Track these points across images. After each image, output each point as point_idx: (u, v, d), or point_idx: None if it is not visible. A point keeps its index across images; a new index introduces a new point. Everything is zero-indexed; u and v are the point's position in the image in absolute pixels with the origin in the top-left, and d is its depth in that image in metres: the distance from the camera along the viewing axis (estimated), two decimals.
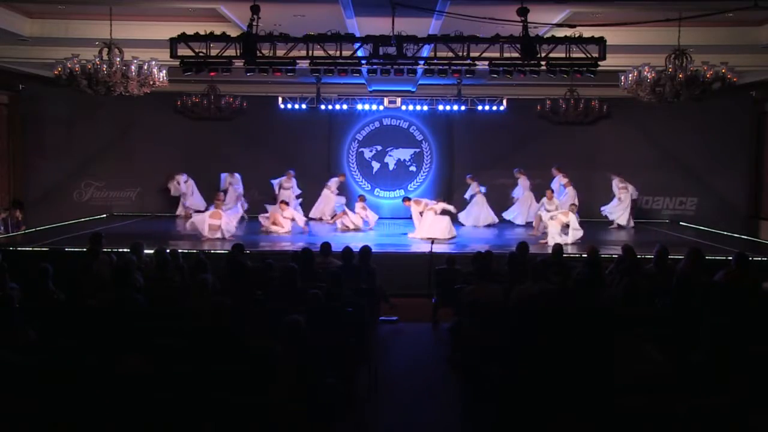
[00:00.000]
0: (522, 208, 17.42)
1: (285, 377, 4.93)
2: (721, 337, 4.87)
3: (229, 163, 18.05)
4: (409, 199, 15.71)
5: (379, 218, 17.20)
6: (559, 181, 17.20)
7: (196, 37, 10.25)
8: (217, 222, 13.81)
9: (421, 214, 14.91)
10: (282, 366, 5.00)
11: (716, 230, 16.30)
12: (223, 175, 18.02)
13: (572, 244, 13.41)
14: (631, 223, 16.76)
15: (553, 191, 16.00)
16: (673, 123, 17.53)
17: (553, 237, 13.54)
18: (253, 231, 15.47)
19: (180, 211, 18.01)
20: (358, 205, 16.49)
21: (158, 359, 5.09)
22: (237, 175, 17.99)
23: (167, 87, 12.26)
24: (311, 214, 17.49)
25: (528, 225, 16.94)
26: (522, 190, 17.59)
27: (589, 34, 10.34)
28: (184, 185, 18.02)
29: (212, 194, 16.59)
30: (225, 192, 17.56)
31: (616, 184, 16.83)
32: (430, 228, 14.44)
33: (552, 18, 10.86)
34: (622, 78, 11.85)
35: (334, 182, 17.89)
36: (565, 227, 13.87)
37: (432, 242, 12.75)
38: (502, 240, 14.70)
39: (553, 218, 13.91)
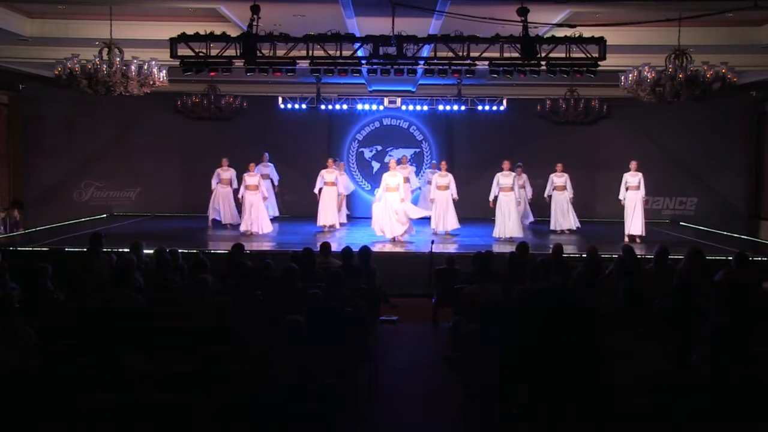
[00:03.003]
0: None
1: (285, 377, 4.92)
2: (721, 337, 4.87)
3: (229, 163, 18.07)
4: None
5: None
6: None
7: (196, 37, 10.25)
8: None
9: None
10: (282, 366, 5.00)
11: (716, 230, 16.31)
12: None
13: None
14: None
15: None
16: (673, 123, 17.52)
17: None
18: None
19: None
20: None
21: (158, 359, 5.09)
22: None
23: (167, 87, 12.26)
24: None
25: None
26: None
27: (589, 34, 10.34)
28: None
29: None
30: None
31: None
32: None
33: (552, 18, 10.86)
34: (622, 78, 11.85)
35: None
36: None
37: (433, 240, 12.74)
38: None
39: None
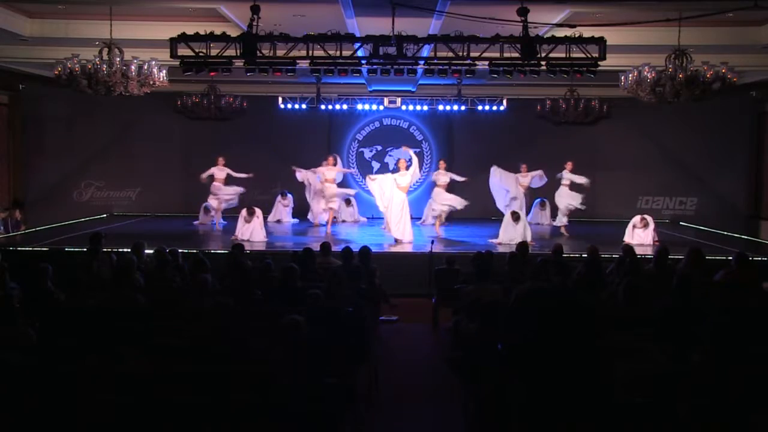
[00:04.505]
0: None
1: (284, 377, 4.92)
2: (721, 337, 4.87)
3: (228, 163, 18.05)
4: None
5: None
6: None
7: (196, 37, 10.25)
8: None
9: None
10: (281, 366, 4.99)
11: (716, 230, 16.30)
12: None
13: None
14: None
15: None
16: (673, 123, 17.51)
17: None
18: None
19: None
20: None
21: (158, 359, 5.09)
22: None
23: (167, 87, 12.25)
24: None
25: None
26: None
27: (589, 34, 10.34)
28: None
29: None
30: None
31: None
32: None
33: (552, 18, 10.86)
34: (622, 78, 11.84)
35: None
36: None
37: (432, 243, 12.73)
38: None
39: None
